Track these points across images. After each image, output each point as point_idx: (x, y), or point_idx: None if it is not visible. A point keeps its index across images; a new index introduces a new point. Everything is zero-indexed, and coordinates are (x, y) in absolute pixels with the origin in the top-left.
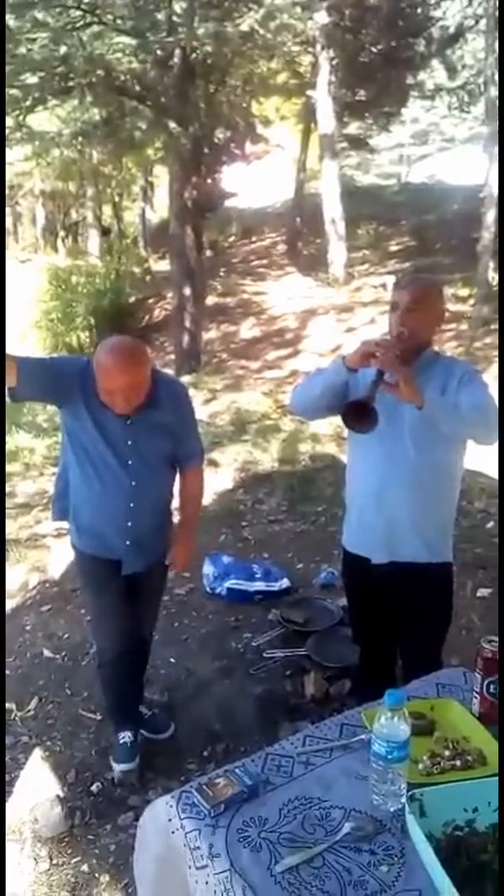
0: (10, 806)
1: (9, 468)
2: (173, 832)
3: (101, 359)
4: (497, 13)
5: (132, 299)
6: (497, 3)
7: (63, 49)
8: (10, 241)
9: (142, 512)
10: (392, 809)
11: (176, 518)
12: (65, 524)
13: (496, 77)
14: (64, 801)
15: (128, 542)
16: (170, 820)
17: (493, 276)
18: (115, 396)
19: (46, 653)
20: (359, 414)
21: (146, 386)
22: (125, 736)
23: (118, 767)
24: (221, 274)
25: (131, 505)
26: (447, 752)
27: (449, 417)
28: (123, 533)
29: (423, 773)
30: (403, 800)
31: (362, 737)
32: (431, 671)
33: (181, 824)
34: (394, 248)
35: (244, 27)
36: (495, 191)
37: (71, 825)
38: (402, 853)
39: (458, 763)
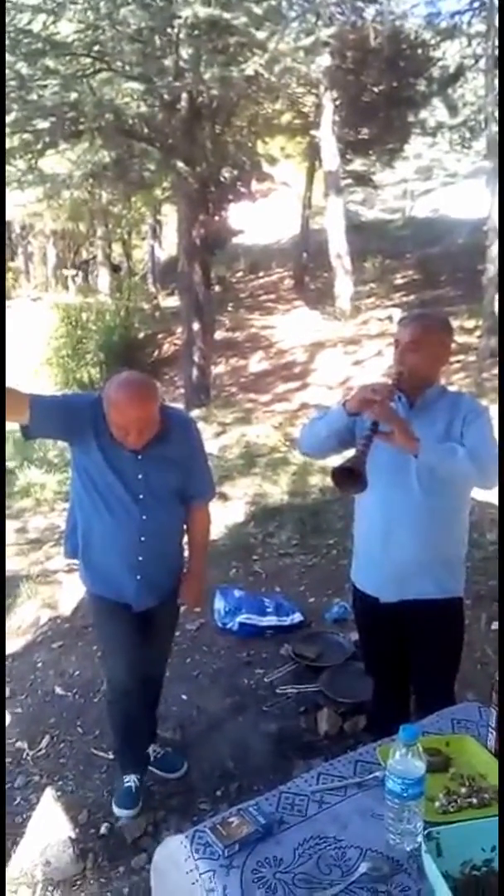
0: (22, 848)
1: (20, 504)
2: (188, 872)
3: (112, 394)
4: (496, 52)
5: (142, 335)
6: (495, 42)
7: (73, 95)
8: (21, 279)
9: (153, 547)
10: (408, 849)
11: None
12: (76, 561)
13: (496, 114)
14: (76, 843)
15: (138, 578)
16: (184, 860)
17: (498, 308)
18: (127, 431)
19: (58, 690)
20: (347, 477)
21: (157, 420)
22: (130, 780)
23: (120, 813)
24: (230, 309)
25: (142, 539)
26: (463, 790)
27: (446, 464)
28: (134, 568)
29: (439, 811)
30: (420, 839)
31: (377, 774)
32: (445, 706)
33: (195, 865)
34: (399, 281)
35: (249, 71)
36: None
37: (83, 868)
38: (418, 894)
39: (474, 801)
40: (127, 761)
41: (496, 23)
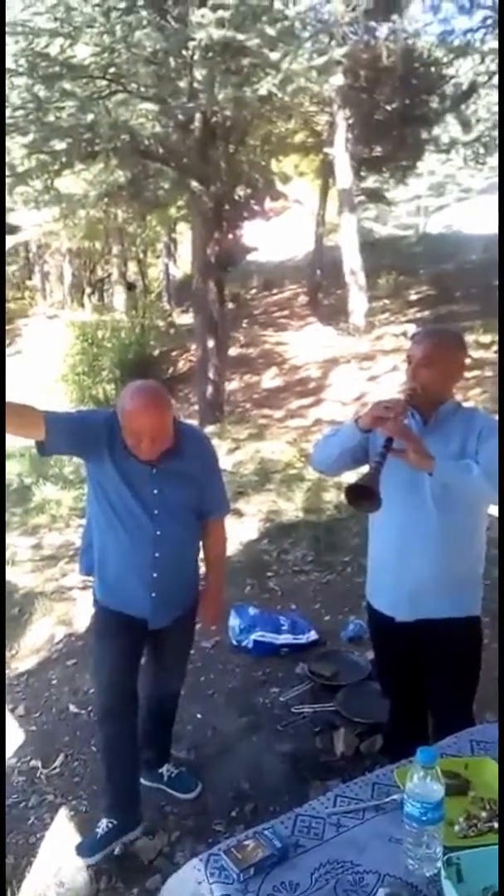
0: (36, 868)
1: (35, 520)
2: None
3: (126, 402)
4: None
5: (157, 352)
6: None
7: (90, 116)
8: (38, 297)
9: (167, 563)
10: (428, 874)
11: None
12: (91, 578)
13: None
14: (90, 864)
15: (153, 595)
16: (199, 883)
17: (498, 308)
18: (141, 438)
19: (72, 708)
20: (361, 495)
21: (170, 430)
22: (102, 824)
23: (80, 860)
24: (244, 325)
25: (156, 555)
26: (484, 814)
27: (461, 482)
28: (149, 585)
29: (459, 835)
30: (439, 864)
31: (395, 797)
32: (462, 727)
33: (210, 889)
34: (414, 297)
35: (262, 91)
36: None
37: (97, 889)
38: None
39: (495, 825)
40: (108, 797)
41: None
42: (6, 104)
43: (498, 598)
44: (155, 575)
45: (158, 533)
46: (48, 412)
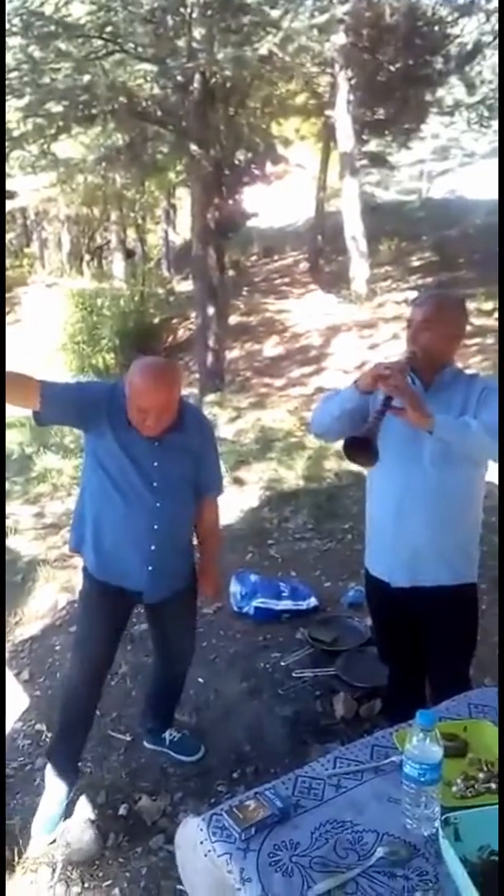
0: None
1: (37, 489)
2: (205, 854)
3: (136, 378)
4: None
5: (156, 320)
6: None
7: (86, 78)
8: (36, 265)
9: (165, 535)
10: (426, 833)
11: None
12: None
13: None
14: (95, 824)
15: (150, 568)
16: (201, 843)
17: (499, 304)
18: (148, 415)
19: None
20: (359, 448)
21: (176, 406)
22: (53, 795)
23: (41, 838)
24: (244, 293)
25: (155, 527)
26: (481, 775)
27: (460, 440)
28: (146, 558)
29: (456, 795)
30: (437, 824)
31: (394, 759)
32: (460, 692)
33: (212, 847)
34: (416, 263)
35: (263, 51)
36: None
37: (102, 848)
38: (436, 878)
39: (492, 786)
40: (56, 761)
41: None
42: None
43: (498, 565)
44: (153, 547)
45: (158, 505)
46: (44, 381)
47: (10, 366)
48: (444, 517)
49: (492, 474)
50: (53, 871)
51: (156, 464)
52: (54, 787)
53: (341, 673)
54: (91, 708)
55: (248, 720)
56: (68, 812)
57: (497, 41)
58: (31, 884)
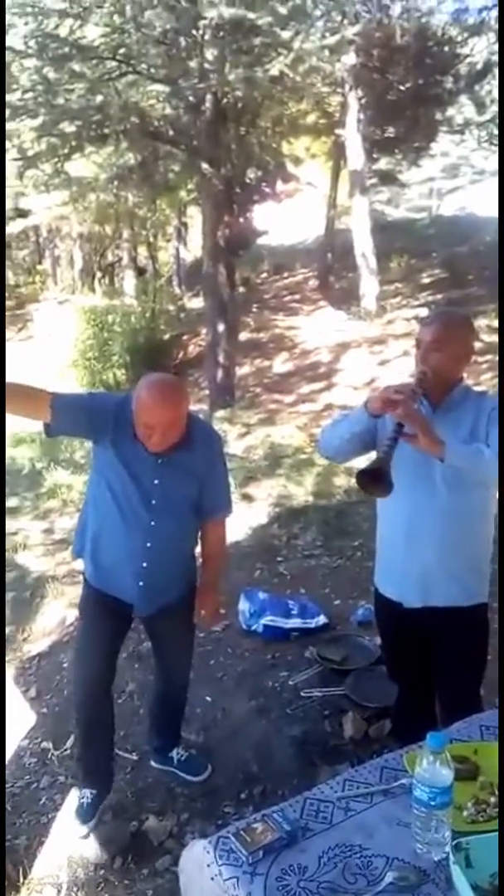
0: (47, 848)
1: (47, 505)
2: (212, 878)
3: (143, 394)
4: None
5: (167, 336)
6: None
7: (99, 98)
8: (48, 282)
9: (159, 554)
10: (436, 859)
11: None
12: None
13: None
14: (101, 844)
15: (140, 584)
16: (208, 865)
17: (498, 309)
18: (152, 432)
19: None
20: (373, 479)
21: (183, 424)
22: (84, 794)
23: (78, 828)
24: (254, 310)
25: (148, 545)
26: (493, 799)
27: (472, 466)
28: (137, 574)
29: (467, 820)
30: (448, 849)
31: (403, 781)
32: (471, 713)
33: (219, 870)
34: (426, 280)
35: (274, 71)
36: None
37: (108, 869)
38: None
39: None
40: (83, 771)
41: None
42: (15, 87)
43: (498, 589)
44: (144, 564)
45: (153, 523)
46: (54, 393)
47: (22, 381)
48: (455, 537)
49: None
50: (59, 891)
51: (156, 482)
52: (82, 791)
53: (350, 692)
54: (100, 715)
55: (255, 740)
56: (95, 809)
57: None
58: None
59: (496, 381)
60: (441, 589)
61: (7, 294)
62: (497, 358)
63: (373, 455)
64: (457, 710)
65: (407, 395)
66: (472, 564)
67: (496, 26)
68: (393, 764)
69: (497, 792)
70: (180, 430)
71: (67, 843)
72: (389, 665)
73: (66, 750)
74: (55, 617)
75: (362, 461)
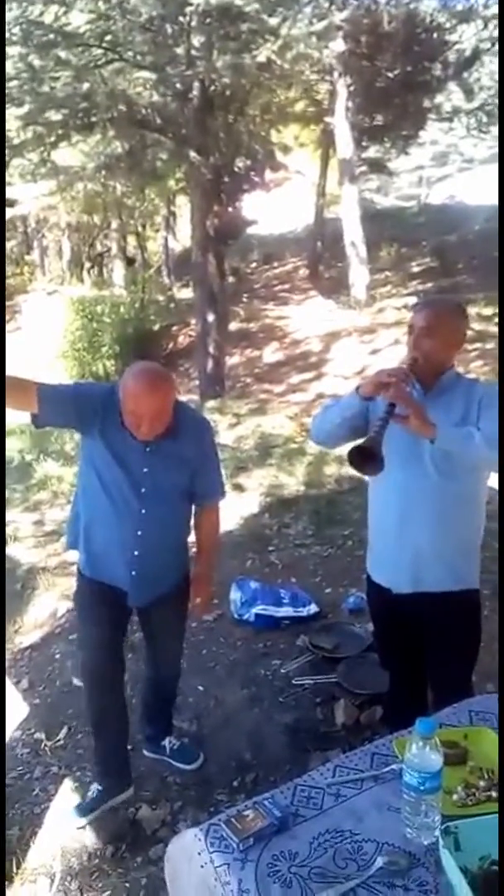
0: (41, 838)
1: (37, 496)
2: (202, 866)
3: (129, 383)
4: None
5: (157, 327)
6: None
7: (85, 86)
8: (37, 273)
9: (150, 542)
10: (426, 843)
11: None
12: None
13: None
14: (94, 834)
15: (133, 573)
16: (199, 853)
17: (499, 307)
18: (140, 420)
19: (76, 681)
20: (365, 457)
21: (170, 412)
22: (93, 789)
23: (73, 823)
24: (244, 299)
25: (139, 533)
26: (482, 783)
27: (462, 449)
28: (129, 563)
29: (457, 804)
30: (437, 833)
31: (393, 767)
32: (462, 698)
33: (210, 858)
34: (415, 269)
35: (261, 58)
36: None
37: (101, 858)
38: (436, 889)
39: (493, 794)
40: (98, 769)
41: None
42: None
43: (498, 571)
44: (136, 553)
45: (143, 511)
46: (41, 384)
47: (10, 372)
48: (446, 521)
49: (493, 479)
50: (52, 881)
51: (146, 470)
52: (95, 784)
53: (342, 680)
54: (109, 708)
55: (248, 728)
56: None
57: (495, 47)
58: (31, 894)
59: (485, 368)
60: (432, 574)
61: None
62: (493, 346)
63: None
64: (448, 696)
65: (399, 378)
66: (463, 549)
67: (485, 13)
68: (383, 750)
69: (487, 776)
70: (168, 418)
71: (61, 833)
72: (381, 651)
73: (58, 741)
74: (47, 608)
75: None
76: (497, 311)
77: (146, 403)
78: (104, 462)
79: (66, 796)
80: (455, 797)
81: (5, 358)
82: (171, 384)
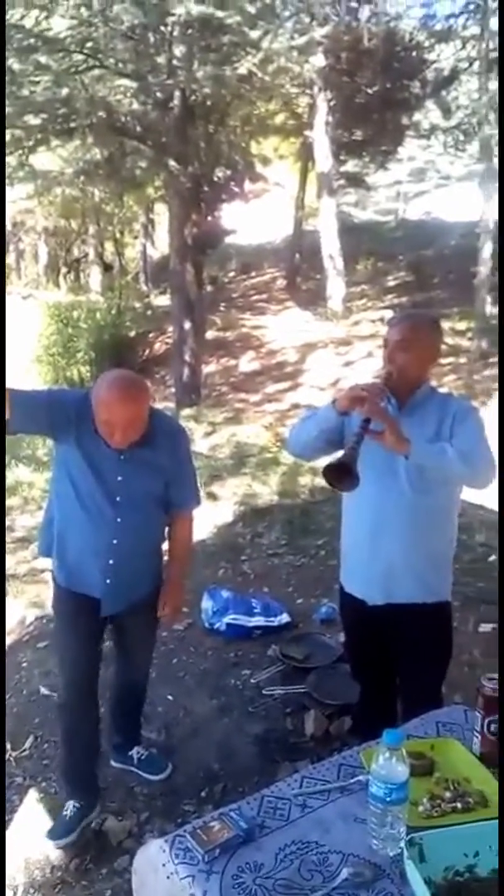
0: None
1: (8, 502)
2: (167, 877)
3: (102, 392)
4: (490, 56)
5: (133, 334)
6: (490, 45)
7: (65, 91)
8: (13, 277)
9: (125, 551)
10: (391, 854)
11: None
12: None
13: (490, 117)
14: (60, 846)
15: (108, 581)
16: (164, 865)
17: (490, 310)
18: (113, 429)
19: (43, 690)
20: (339, 473)
21: (144, 420)
22: (68, 806)
23: (49, 844)
24: (221, 308)
25: (114, 542)
26: (448, 794)
27: (436, 465)
28: (104, 571)
29: (423, 815)
30: (403, 844)
31: (360, 778)
32: (432, 710)
33: (175, 869)
34: (392, 282)
35: (242, 70)
36: (492, 226)
37: (66, 871)
38: None
39: (458, 805)
40: (69, 784)
41: (491, 26)
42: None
43: (498, 586)
44: (111, 562)
45: (119, 520)
46: (14, 390)
47: None
48: (418, 535)
49: (466, 492)
50: (14, 893)
51: (120, 479)
52: (69, 803)
53: (312, 690)
54: (85, 719)
55: (217, 738)
56: (77, 824)
57: (473, 66)
58: None
59: (458, 382)
60: (404, 586)
61: None
62: (466, 361)
63: (340, 453)
64: (418, 707)
65: (374, 393)
66: (435, 562)
67: (462, 33)
68: (351, 761)
69: (452, 787)
70: (142, 426)
71: (24, 845)
72: (352, 662)
73: (24, 751)
74: (15, 616)
75: (329, 460)
76: (471, 325)
77: (119, 412)
78: (79, 470)
79: (31, 807)
80: (421, 808)
81: (5, 358)
82: (145, 392)
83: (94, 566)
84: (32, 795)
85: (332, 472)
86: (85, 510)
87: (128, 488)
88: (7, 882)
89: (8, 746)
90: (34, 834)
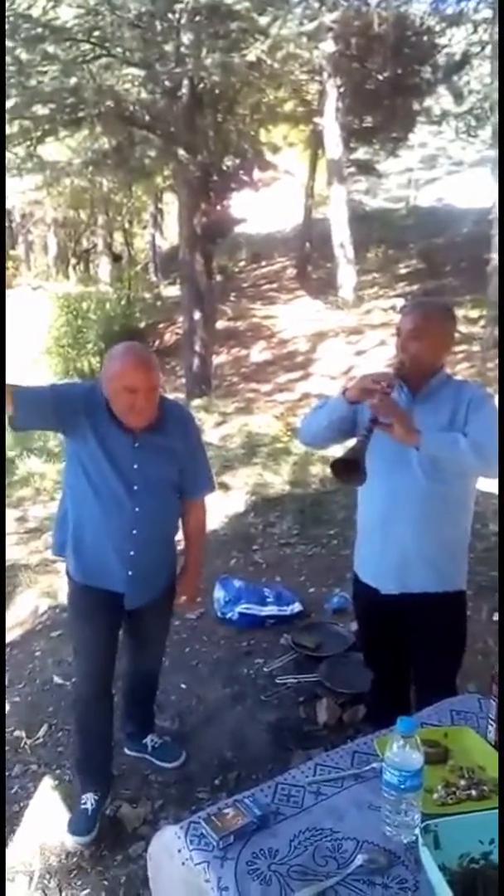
0: (19, 837)
1: (20, 493)
2: (182, 863)
3: (116, 362)
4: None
5: (143, 324)
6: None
7: (73, 81)
8: (22, 268)
9: (145, 540)
10: (405, 841)
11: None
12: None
13: None
14: (80, 842)
15: (130, 573)
16: (179, 851)
17: (499, 308)
18: (135, 398)
19: (56, 679)
20: (347, 468)
21: (158, 393)
22: (87, 799)
23: (71, 839)
24: (232, 298)
25: (134, 532)
26: (462, 782)
27: (448, 455)
28: (126, 563)
29: (437, 803)
30: (417, 831)
31: (374, 765)
32: (446, 698)
33: (190, 855)
34: (403, 270)
35: (251, 57)
36: None
37: (81, 857)
38: (415, 887)
39: (473, 793)
40: (86, 774)
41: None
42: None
43: (498, 575)
44: (132, 553)
45: (137, 510)
46: (17, 386)
47: None
48: (432, 524)
49: (481, 482)
50: (31, 879)
51: (135, 466)
52: (87, 795)
53: (324, 679)
54: (100, 711)
55: (230, 726)
56: (96, 816)
57: (485, 51)
58: (9, 893)
59: (471, 370)
60: (418, 575)
61: None
62: (479, 349)
63: (351, 442)
64: (433, 696)
65: (384, 384)
66: (449, 552)
67: (475, 17)
68: (364, 748)
69: (467, 775)
70: (157, 398)
71: (40, 832)
72: (365, 650)
73: (38, 738)
74: (28, 606)
75: (340, 449)
76: (484, 313)
77: (142, 376)
78: (93, 462)
79: (46, 794)
80: (435, 796)
81: (5, 358)
82: (155, 360)
83: (114, 559)
84: (47, 783)
85: (339, 467)
86: (101, 502)
87: (144, 476)
88: (23, 868)
89: (23, 734)
90: (50, 820)
